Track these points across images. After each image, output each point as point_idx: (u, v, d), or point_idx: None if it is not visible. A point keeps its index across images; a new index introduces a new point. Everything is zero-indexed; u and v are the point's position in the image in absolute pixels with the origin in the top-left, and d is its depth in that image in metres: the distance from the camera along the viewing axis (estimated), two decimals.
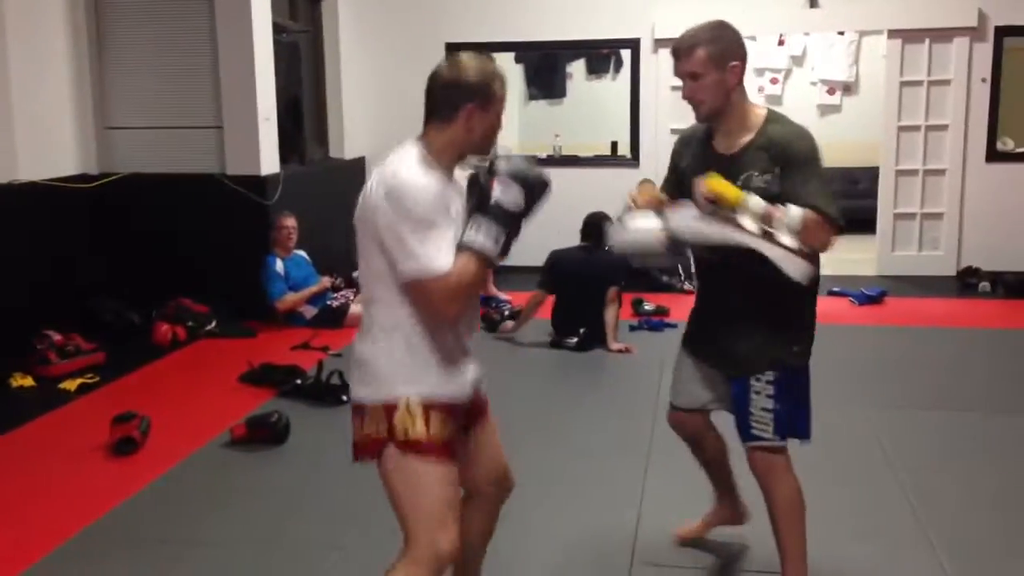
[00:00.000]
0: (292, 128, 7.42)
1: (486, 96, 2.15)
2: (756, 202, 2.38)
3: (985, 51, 7.60)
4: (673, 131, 7.95)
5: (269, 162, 6.53)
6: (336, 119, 8.20)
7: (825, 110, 10.53)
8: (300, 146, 7.61)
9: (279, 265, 6.32)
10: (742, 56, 2.54)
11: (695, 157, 2.65)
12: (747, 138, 2.54)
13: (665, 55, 7.95)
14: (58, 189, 5.94)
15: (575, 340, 5.70)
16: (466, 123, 2.15)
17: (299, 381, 4.88)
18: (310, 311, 6.32)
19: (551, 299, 5.92)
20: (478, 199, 2.14)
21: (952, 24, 7.55)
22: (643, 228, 2.57)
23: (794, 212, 2.38)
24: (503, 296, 6.86)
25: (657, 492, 3.63)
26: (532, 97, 10.66)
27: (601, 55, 10.43)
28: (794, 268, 2.39)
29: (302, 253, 6.54)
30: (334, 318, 6.30)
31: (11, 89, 5.62)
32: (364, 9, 8.25)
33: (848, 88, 10.45)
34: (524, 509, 3.51)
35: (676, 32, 8.23)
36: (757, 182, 2.47)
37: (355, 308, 6.39)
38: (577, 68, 10.71)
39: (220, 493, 3.73)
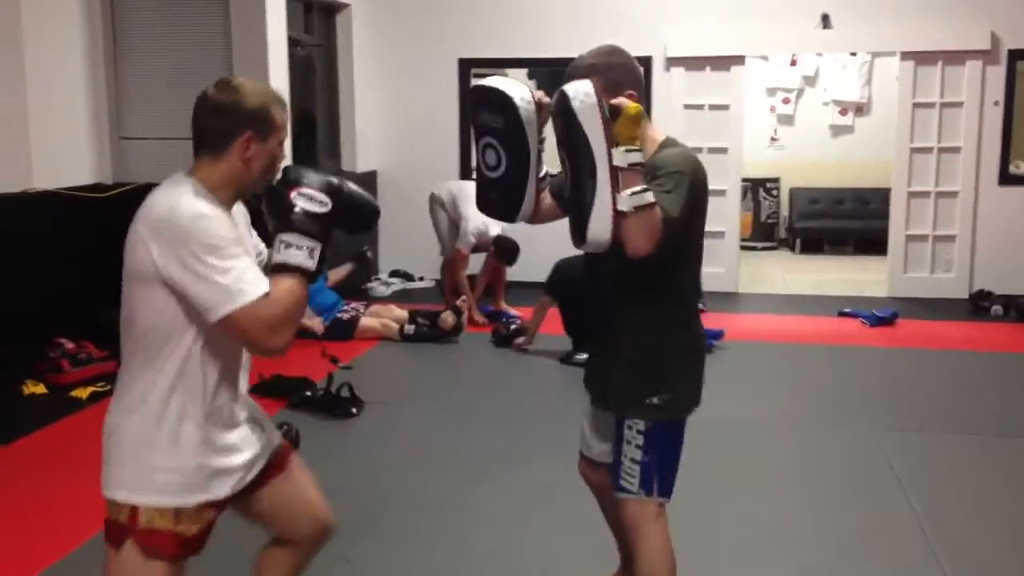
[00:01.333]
0: (305, 141, 7.47)
1: (264, 124, 1.92)
2: (636, 156, 2.12)
3: (998, 74, 7.61)
4: None
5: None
6: (349, 132, 8.24)
7: (837, 131, 10.55)
8: (313, 159, 7.65)
9: None
10: (636, 83, 2.36)
11: None
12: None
13: (678, 73, 7.98)
14: (73, 198, 5.98)
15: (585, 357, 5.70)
16: (242, 155, 1.90)
17: (309, 393, 4.89)
18: (320, 324, 6.34)
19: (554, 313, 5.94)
20: (277, 214, 1.89)
21: (965, 47, 7.56)
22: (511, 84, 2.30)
23: (649, 196, 2.10)
24: (512, 311, 6.87)
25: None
26: None
27: None
28: (600, 226, 2.11)
29: None
30: (344, 331, 6.31)
31: (27, 99, 5.66)
32: (378, 24, 8.30)
33: (860, 109, 10.46)
34: (546, 524, 3.51)
35: (688, 51, 8.30)
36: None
37: (365, 321, 6.41)
38: None
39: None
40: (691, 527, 3.37)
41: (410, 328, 6.36)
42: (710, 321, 6.38)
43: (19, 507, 3.66)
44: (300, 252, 1.86)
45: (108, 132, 6.52)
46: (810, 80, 10.52)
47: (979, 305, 7.38)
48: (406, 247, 8.36)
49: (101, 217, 6.28)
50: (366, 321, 6.42)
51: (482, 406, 5.07)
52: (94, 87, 6.37)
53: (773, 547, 3.33)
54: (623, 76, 2.34)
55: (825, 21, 7.73)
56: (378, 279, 8.25)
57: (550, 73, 10.05)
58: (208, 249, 1.78)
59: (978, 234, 7.78)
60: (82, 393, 5.01)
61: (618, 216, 2.09)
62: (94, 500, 3.68)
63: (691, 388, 2.41)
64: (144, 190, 6.02)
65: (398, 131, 8.41)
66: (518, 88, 2.28)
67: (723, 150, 7.93)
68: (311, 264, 1.88)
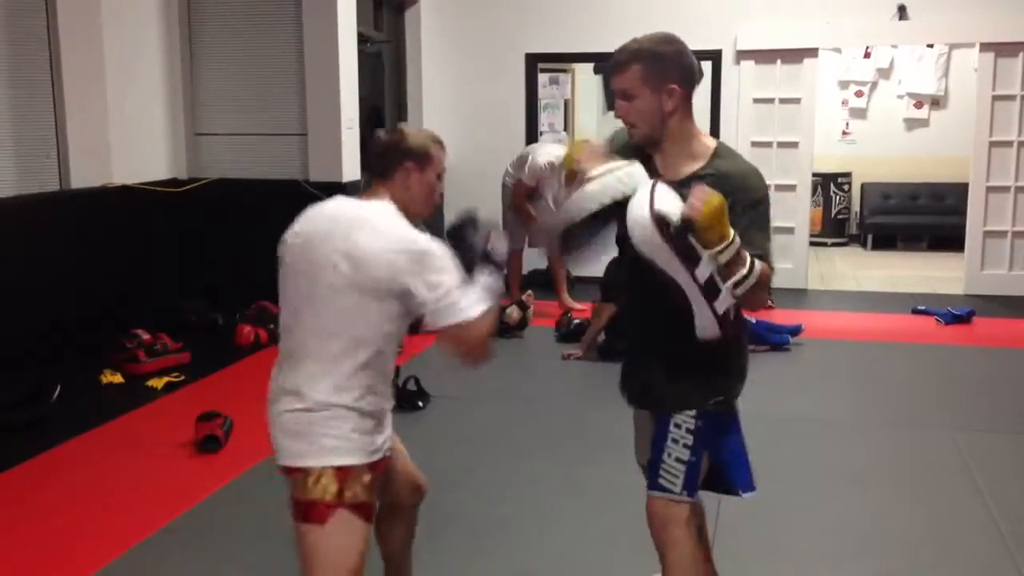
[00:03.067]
0: (373, 136, 7.54)
1: (423, 157, 2.27)
2: (731, 251, 2.01)
3: None
4: (754, 143, 7.87)
5: (351, 169, 6.65)
6: (417, 127, 8.30)
7: (912, 124, 10.30)
8: None
9: None
10: (685, 77, 2.20)
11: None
12: (694, 166, 2.21)
13: (748, 67, 7.87)
14: (149, 192, 6.14)
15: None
16: (405, 181, 2.26)
17: None
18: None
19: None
20: (472, 252, 2.27)
21: None
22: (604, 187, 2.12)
23: (755, 270, 2.05)
24: (578, 305, 6.84)
25: (728, 517, 3.57)
26: (610, 107, 10.64)
27: None
28: (706, 329, 2.07)
29: None
30: (412, 323, 6.36)
31: (107, 96, 5.84)
32: (446, 20, 8.35)
33: (936, 102, 10.20)
34: (611, 522, 3.50)
35: (760, 44, 8.17)
36: None
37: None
38: None
39: None
40: (762, 527, 3.33)
41: None
42: (782, 317, 6.31)
43: (97, 493, 3.77)
44: (491, 291, 2.20)
45: (184, 128, 6.68)
46: (884, 73, 10.28)
47: None
48: None
49: (176, 211, 6.44)
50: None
51: (547, 401, 5.08)
52: (171, 84, 6.53)
53: (845, 551, 3.27)
54: (668, 68, 2.19)
55: (902, 12, 7.54)
56: None
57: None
58: (447, 270, 2.09)
59: None
60: (157, 383, 5.14)
61: (725, 313, 2.06)
62: (169, 487, 3.80)
63: (735, 384, 2.34)
64: (217, 185, 6.17)
65: (465, 127, 8.44)
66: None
67: (793, 144, 7.80)
68: (496, 301, 2.22)
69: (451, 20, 8.36)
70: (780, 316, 6.44)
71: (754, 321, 5.87)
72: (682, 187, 2.11)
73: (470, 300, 2.09)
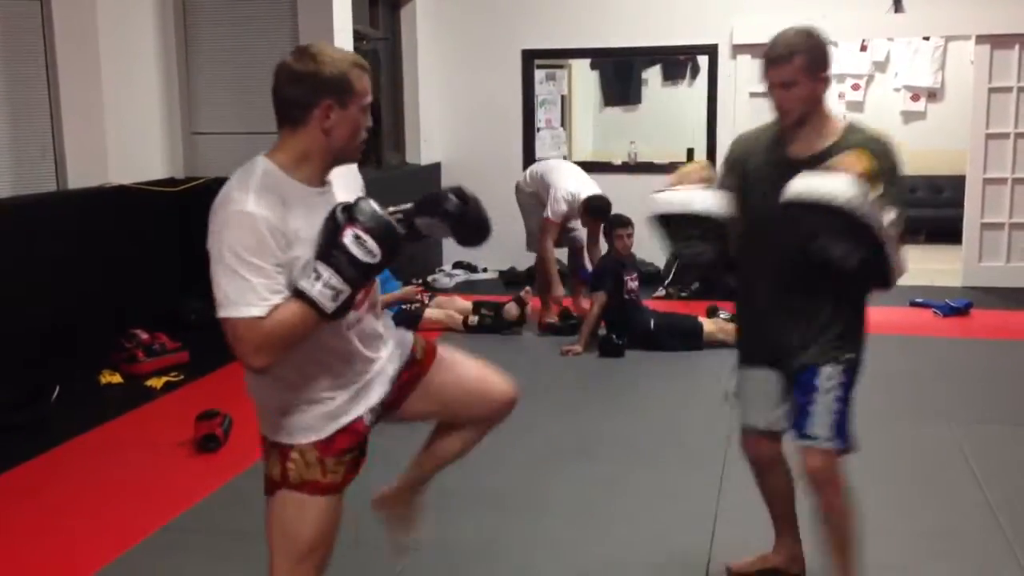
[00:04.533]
0: (370, 134, 7.52)
1: (344, 90, 1.87)
2: (876, 191, 2.29)
3: None
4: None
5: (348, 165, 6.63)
6: (413, 125, 8.31)
7: (909, 117, 10.29)
8: (377, 151, 7.73)
9: None
10: (830, 64, 2.52)
11: (767, 162, 2.57)
12: (829, 141, 2.49)
13: (745, 61, 7.87)
14: (147, 192, 6.13)
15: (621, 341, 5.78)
16: (322, 124, 1.88)
17: None
18: (386, 315, 6.38)
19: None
20: (327, 241, 1.85)
21: None
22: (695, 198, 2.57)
23: (895, 213, 2.33)
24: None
25: (732, 513, 3.58)
26: (607, 103, 10.63)
27: (677, 61, 10.35)
28: (899, 266, 2.37)
29: None
30: (410, 321, 6.36)
31: (103, 95, 5.83)
32: (442, 16, 8.34)
33: (933, 95, 10.18)
34: (594, 515, 3.51)
35: (755, 38, 8.17)
36: None
37: (430, 312, 6.46)
38: (652, 74, 10.64)
39: None
40: (762, 519, 3.34)
41: (474, 319, 6.39)
42: None
43: (97, 493, 3.77)
44: (327, 291, 1.83)
45: (180, 127, 6.67)
46: (880, 66, 10.27)
47: None
48: None
49: (174, 210, 6.43)
50: (431, 312, 6.47)
51: (546, 397, 5.08)
52: (167, 84, 6.52)
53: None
54: (822, 57, 2.48)
55: (897, 5, 7.54)
56: (442, 271, 8.31)
57: (613, 64, 10.02)
58: (231, 251, 1.82)
59: None
60: (156, 383, 5.14)
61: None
62: (169, 487, 3.81)
63: (862, 343, 2.60)
64: (215, 184, 6.19)
65: (462, 123, 8.45)
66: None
67: None
68: (330, 307, 1.84)
69: (447, 17, 8.35)
70: None
71: None
72: (816, 161, 2.40)
73: (240, 296, 1.81)
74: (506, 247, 8.20)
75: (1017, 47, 7.43)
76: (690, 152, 8.56)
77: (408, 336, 2.33)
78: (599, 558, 3.20)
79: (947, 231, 9.01)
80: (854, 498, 2.59)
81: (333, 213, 1.88)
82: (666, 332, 5.88)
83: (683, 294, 7.32)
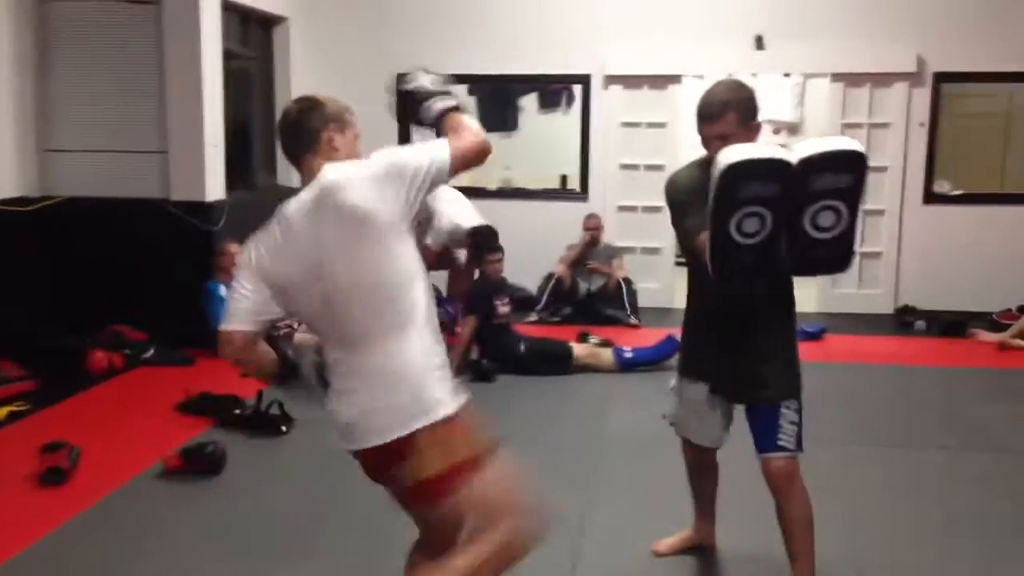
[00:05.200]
0: (240, 154, 7.37)
1: (341, 120, 2.35)
2: None
3: (923, 96, 7.83)
4: (622, 166, 8.05)
5: (215, 188, 6.47)
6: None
7: None
8: (248, 173, 7.56)
9: (222, 291, 6.22)
10: (758, 113, 2.74)
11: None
12: None
13: (616, 91, 8.06)
14: None
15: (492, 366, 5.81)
16: (330, 146, 2.28)
17: (238, 411, 4.81)
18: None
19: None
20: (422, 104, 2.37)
21: (892, 69, 7.77)
22: None
23: None
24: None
25: (599, 524, 3.62)
26: (485, 129, 10.68)
27: (553, 90, 10.53)
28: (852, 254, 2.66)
29: None
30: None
31: None
32: (316, 37, 8.24)
33: (793, 129, 10.66)
34: None
35: (626, 70, 8.35)
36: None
37: (299, 337, 6.32)
38: (529, 102, 10.78)
39: (151, 524, 3.64)
40: (621, 537, 3.38)
41: None
42: (647, 338, 6.45)
43: None
44: (444, 97, 2.35)
45: (33, 144, 6.36)
46: None
47: (904, 320, 7.55)
48: None
49: (26, 230, 6.12)
50: (300, 337, 6.33)
51: None
52: (20, 98, 6.21)
53: (708, 563, 3.35)
54: (752, 108, 2.72)
55: (759, 42, 7.88)
56: None
57: (492, 90, 10.11)
58: (405, 153, 2.26)
59: (903, 251, 7.98)
60: (0, 412, 4.86)
61: None
62: (9, 523, 3.59)
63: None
64: (71, 204, 5.88)
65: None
66: (778, 151, 2.55)
67: (660, 167, 7.99)
68: (455, 101, 2.34)
69: (321, 38, 8.26)
70: (648, 335, 6.59)
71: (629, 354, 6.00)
72: None
73: None
74: None
75: (868, 85, 7.86)
76: (563, 179, 8.71)
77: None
78: None
79: None
80: (808, 496, 2.93)
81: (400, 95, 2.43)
82: (536, 357, 5.92)
83: (555, 319, 7.40)
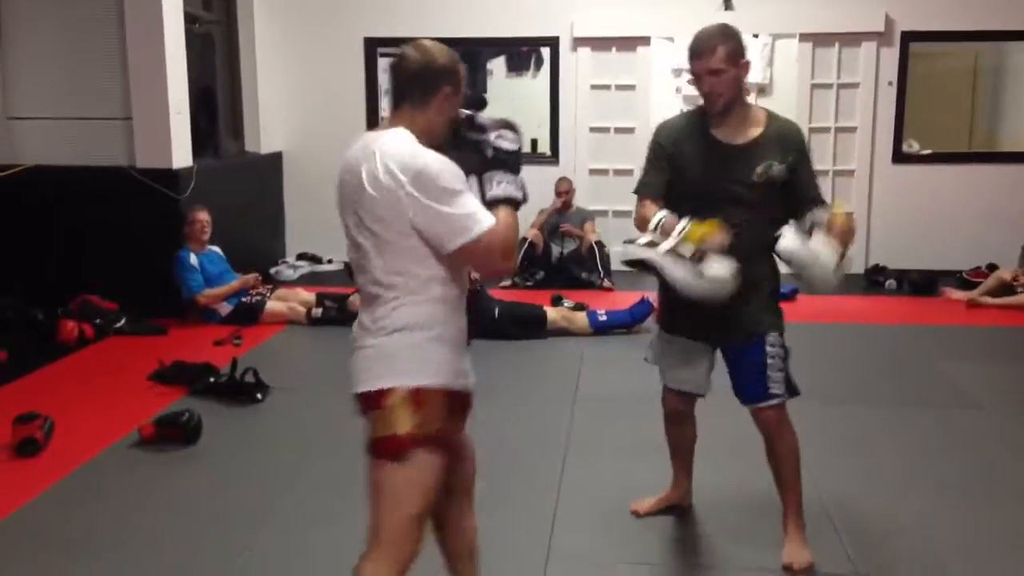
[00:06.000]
0: (206, 121, 7.26)
1: (457, 79, 2.18)
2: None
3: (892, 55, 7.85)
4: (592, 129, 8.03)
5: (181, 155, 6.37)
6: (252, 113, 8.04)
7: None
8: (214, 140, 7.45)
9: (193, 259, 6.16)
10: (747, 52, 2.82)
11: (698, 149, 2.88)
12: (757, 130, 2.87)
13: (585, 54, 8.01)
14: None
15: None
16: (440, 107, 2.15)
17: (212, 379, 4.77)
18: (225, 308, 6.18)
19: None
20: (479, 154, 2.18)
21: (860, 28, 7.78)
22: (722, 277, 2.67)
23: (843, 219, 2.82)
24: None
25: (574, 486, 3.65)
26: (469, 106, 10.62)
27: (522, 53, 10.46)
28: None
29: (216, 249, 6.40)
30: (250, 314, 6.18)
31: None
32: (281, 2, 8.11)
33: (763, 90, 10.63)
34: None
35: (595, 32, 8.32)
36: (777, 169, 2.82)
37: (272, 305, 6.29)
38: (497, 65, 10.71)
39: (126, 495, 3.62)
40: (596, 497, 3.41)
41: (317, 311, 6.26)
42: (621, 300, 6.47)
43: None
44: (511, 186, 2.15)
45: None
46: None
47: (874, 280, 7.63)
48: (313, 229, 8.20)
49: None
50: (272, 305, 6.30)
51: None
52: None
53: (685, 521, 3.39)
54: (740, 46, 2.80)
55: (727, 3, 7.85)
56: (285, 262, 8.10)
57: (459, 54, 10.01)
58: (448, 191, 2.03)
59: (873, 211, 8.04)
60: None
61: None
62: None
63: None
64: (34, 172, 5.77)
65: (303, 111, 8.25)
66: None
67: (630, 130, 8.01)
68: (520, 195, 2.17)
69: (286, 2, 8.13)
70: (624, 298, 6.61)
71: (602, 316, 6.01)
72: (750, 149, 2.83)
73: (477, 210, 2.05)
74: None
75: (837, 45, 7.87)
76: (533, 143, 8.67)
77: None
78: (431, 555, 3.19)
79: None
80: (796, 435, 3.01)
81: (459, 131, 2.19)
82: (510, 321, 5.93)
83: (528, 283, 7.40)
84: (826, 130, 7.98)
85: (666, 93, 10.42)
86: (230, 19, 7.83)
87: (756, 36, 10.02)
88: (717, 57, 2.76)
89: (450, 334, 2.15)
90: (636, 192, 3.01)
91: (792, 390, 2.99)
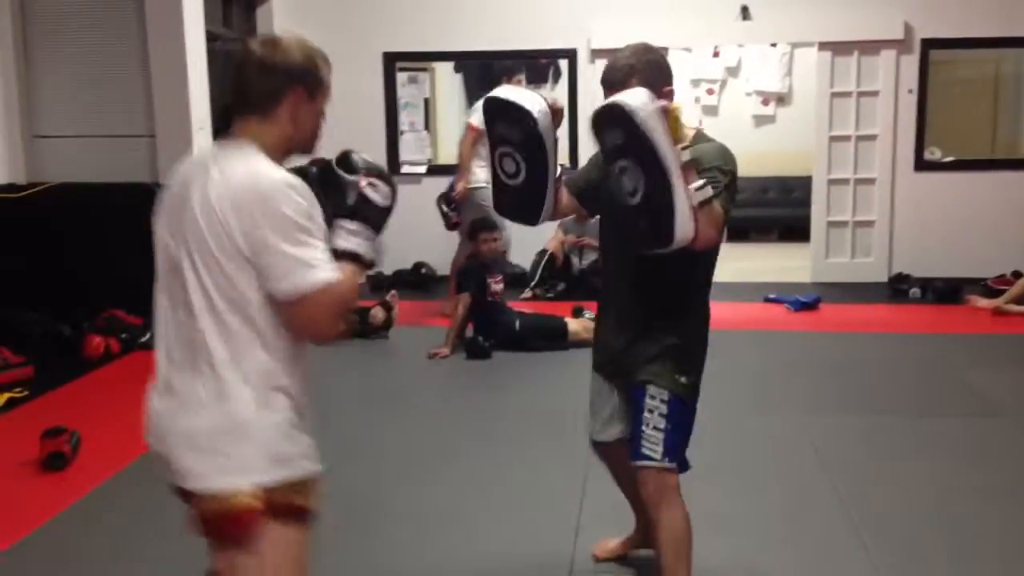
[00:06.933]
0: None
1: (315, 81, 1.86)
2: (686, 155, 2.24)
3: (912, 63, 7.82)
4: None
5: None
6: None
7: (760, 120, 10.73)
8: None
9: None
10: (670, 79, 2.49)
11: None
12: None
13: (603, 65, 7.99)
14: None
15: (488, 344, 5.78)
16: (292, 115, 1.84)
17: None
18: None
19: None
20: (341, 197, 1.86)
21: (880, 36, 7.76)
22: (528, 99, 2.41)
23: (708, 189, 2.25)
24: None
25: (598, 500, 3.64)
26: (472, 105, 10.67)
27: (540, 65, 10.49)
28: (685, 225, 2.20)
29: None
30: None
31: None
32: (301, 17, 8.17)
33: (782, 99, 10.65)
34: (462, 517, 3.50)
35: (612, 43, 8.32)
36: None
37: None
38: None
39: (153, 509, 3.63)
40: (621, 512, 3.40)
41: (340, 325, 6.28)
42: None
43: None
44: (366, 242, 1.85)
45: (20, 130, 6.31)
46: (733, 71, 10.67)
47: (898, 288, 7.58)
48: None
49: (15, 217, 6.09)
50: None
51: (413, 401, 5.05)
52: (4, 85, 6.16)
53: (702, 533, 3.36)
54: (659, 74, 2.44)
55: (744, 13, 7.85)
56: None
57: (477, 66, 10.07)
58: (290, 224, 1.71)
59: (896, 219, 7.99)
60: None
61: (695, 210, 2.21)
62: (12, 508, 3.59)
63: (700, 375, 2.63)
64: (60, 189, 5.83)
65: (324, 126, 8.30)
66: (534, 100, 2.41)
67: None
68: (373, 256, 1.87)
69: (306, 17, 8.19)
70: None
71: None
72: None
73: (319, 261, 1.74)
74: None
75: (856, 53, 7.84)
76: None
77: None
78: (459, 562, 3.19)
79: (798, 229, 9.45)
80: (687, 516, 2.57)
81: (330, 171, 1.88)
82: (531, 332, 5.93)
83: (549, 295, 7.41)
84: (847, 138, 7.95)
85: (685, 103, 10.45)
86: (250, 35, 7.90)
87: (774, 45, 10.05)
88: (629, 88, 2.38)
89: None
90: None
91: (674, 460, 2.54)
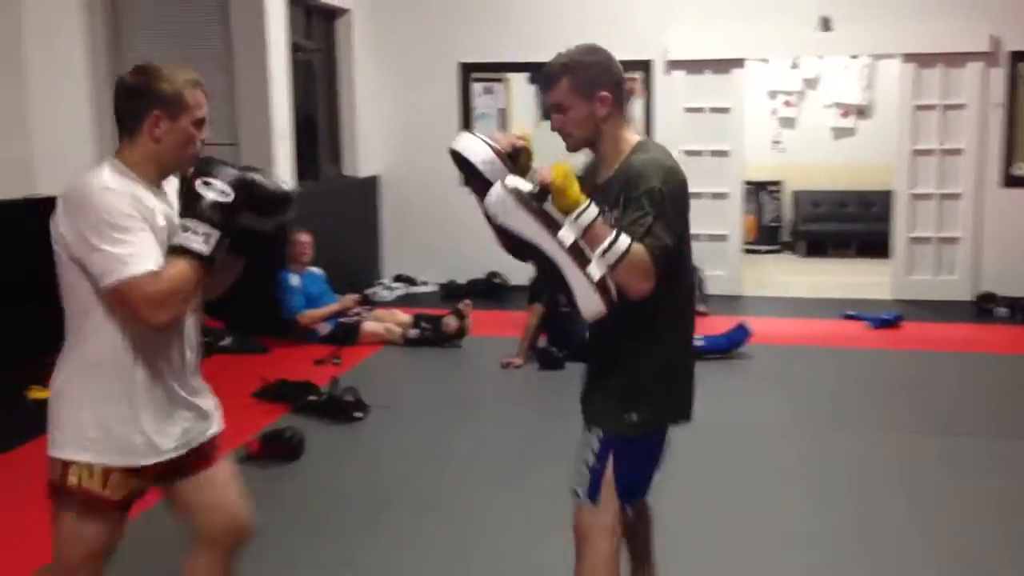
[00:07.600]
0: (307, 146, 7.47)
1: (178, 104, 2.02)
2: (589, 216, 2.08)
3: (999, 76, 7.60)
4: (688, 152, 7.98)
5: (285, 178, 6.55)
6: (350, 137, 8.25)
7: (839, 133, 10.54)
8: (315, 163, 7.66)
9: (295, 280, 6.34)
10: (612, 83, 2.26)
11: (584, 188, 2.20)
12: (609, 172, 2.29)
13: (679, 76, 7.98)
14: None
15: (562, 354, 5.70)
16: (152, 134, 2.02)
17: (312, 397, 4.88)
18: (325, 327, 6.33)
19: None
20: (183, 201, 2.02)
21: (965, 48, 7.56)
22: (474, 149, 2.25)
23: (622, 243, 2.07)
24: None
25: (666, 513, 3.61)
26: (545, 117, 10.69)
27: None
28: (588, 302, 2.06)
29: (317, 270, 6.56)
30: (348, 335, 6.31)
31: (29, 107, 5.67)
32: (379, 29, 8.31)
33: (862, 111, 10.45)
34: (530, 527, 3.50)
35: (689, 55, 8.25)
36: (608, 218, 2.16)
37: (368, 325, 6.41)
38: None
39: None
40: (697, 527, 3.37)
41: (414, 332, 6.35)
42: (719, 323, 6.39)
43: (15, 518, 3.65)
44: (197, 237, 1.97)
45: (112, 140, 6.51)
46: (811, 83, 10.51)
47: (983, 307, 7.35)
48: (409, 251, 8.37)
49: None
50: (369, 325, 6.42)
51: (485, 410, 5.07)
52: (97, 96, 6.37)
53: (775, 548, 3.32)
54: (596, 76, 2.26)
55: (825, 24, 7.72)
56: (381, 283, 8.25)
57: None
58: (104, 221, 1.91)
59: (983, 236, 7.77)
60: None
61: (601, 282, 2.04)
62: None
63: (670, 403, 2.35)
64: None
65: (399, 136, 8.42)
66: (477, 148, 2.24)
67: (725, 153, 7.93)
68: (205, 249, 1.98)
69: (383, 29, 8.33)
70: (715, 323, 6.53)
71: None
72: (602, 192, 2.23)
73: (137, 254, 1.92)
74: (445, 260, 8.25)
75: (941, 65, 7.66)
76: None
77: (215, 422, 2.33)
78: (536, 568, 3.19)
79: (877, 245, 9.25)
80: (610, 559, 2.32)
81: (183, 177, 2.05)
82: None
83: None
84: (930, 152, 7.76)
85: (761, 115, 10.34)
86: (330, 47, 8.06)
87: (855, 57, 9.87)
88: (560, 90, 2.25)
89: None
90: None
91: (598, 499, 2.29)
